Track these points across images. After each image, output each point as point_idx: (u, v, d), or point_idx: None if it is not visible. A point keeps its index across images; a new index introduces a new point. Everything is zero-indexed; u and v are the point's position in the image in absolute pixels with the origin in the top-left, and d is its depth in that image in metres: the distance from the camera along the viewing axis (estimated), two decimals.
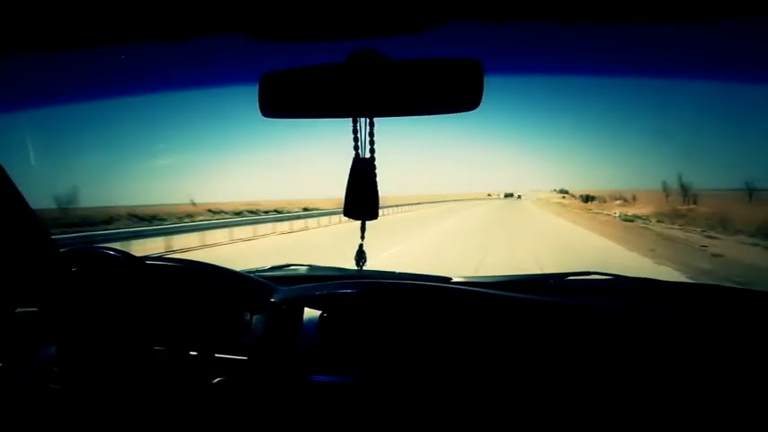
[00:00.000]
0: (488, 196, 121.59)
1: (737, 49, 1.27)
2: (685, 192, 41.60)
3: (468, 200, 76.17)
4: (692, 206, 34.19)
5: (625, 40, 1.26)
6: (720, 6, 0.88)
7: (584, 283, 1.57)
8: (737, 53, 1.31)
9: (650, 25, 1.07)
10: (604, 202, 55.25)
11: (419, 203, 44.98)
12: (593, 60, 1.47)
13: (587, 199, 63.17)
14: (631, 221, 25.03)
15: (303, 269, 1.81)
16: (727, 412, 1.08)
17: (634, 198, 50.54)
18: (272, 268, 1.82)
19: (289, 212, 25.18)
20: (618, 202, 50.42)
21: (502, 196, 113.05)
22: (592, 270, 1.59)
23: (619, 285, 1.54)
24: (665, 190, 48.06)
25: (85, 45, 1.09)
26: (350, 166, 1.12)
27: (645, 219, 26.20)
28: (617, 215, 29.93)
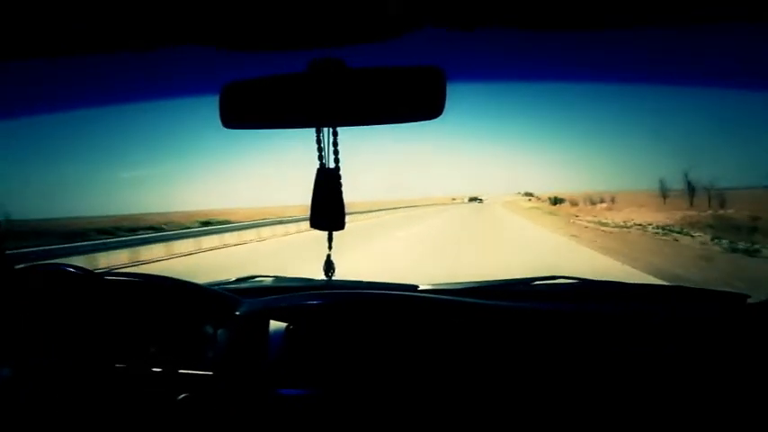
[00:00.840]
0: (453, 200, 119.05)
1: (706, 49, 1.32)
2: (695, 192, 35.90)
3: (429, 205, 70.19)
4: (722, 210, 27.25)
5: (592, 42, 1.29)
6: (684, 8, 0.91)
7: (552, 288, 1.59)
8: (706, 53, 1.35)
9: (613, 30, 1.10)
10: (576, 205, 49.41)
11: (379, 210, 39.40)
12: (555, 66, 1.50)
13: (556, 201, 59.95)
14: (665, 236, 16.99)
15: (269, 281, 1.79)
16: (696, 411, 1.12)
17: (613, 200, 43.97)
18: (237, 280, 1.80)
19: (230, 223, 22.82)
20: (603, 205, 42.75)
21: (466, 200, 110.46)
22: (558, 274, 1.61)
23: (585, 289, 1.56)
24: (664, 191, 42.07)
25: (41, 55, 1.06)
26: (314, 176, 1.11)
27: (678, 232, 18.06)
28: (626, 227, 21.01)
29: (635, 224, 21.98)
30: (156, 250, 13.27)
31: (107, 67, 1.28)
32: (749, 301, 1.37)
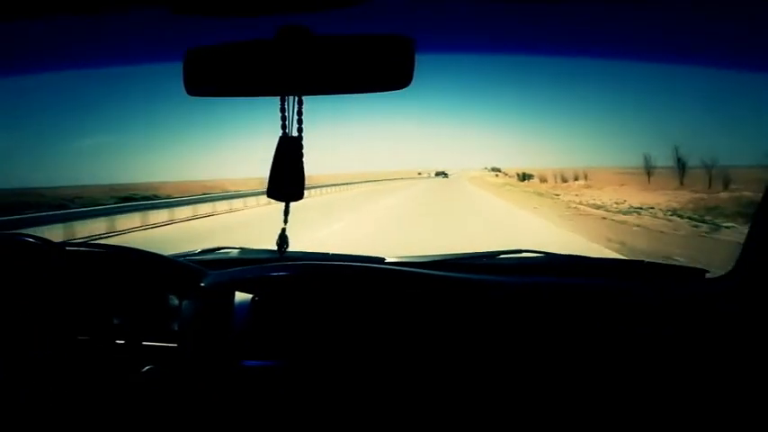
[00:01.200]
0: (419, 175, 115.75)
1: (677, 24, 1.33)
2: (685, 169, 32.18)
3: (393, 179, 66.26)
4: (727, 191, 22.97)
5: (562, 15, 1.28)
6: None
7: (516, 261, 1.62)
8: (677, 28, 1.36)
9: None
10: (545, 181, 47.52)
11: (333, 185, 35.05)
12: (523, 38, 1.49)
13: (524, 177, 58.03)
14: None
15: (235, 252, 1.79)
16: (658, 387, 1.17)
17: (586, 177, 41.83)
18: (203, 252, 1.78)
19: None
20: (579, 182, 40.40)
21: (432, 175, 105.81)
22: (523, 248, 1.65)
23: (549, 263, 1.60)
24: (648, 168, 36.64)
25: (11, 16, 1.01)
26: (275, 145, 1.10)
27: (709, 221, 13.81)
28: (627, 211, 17.18)
29: (631, 207, 18.51)
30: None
31: (71, 29, 1.23)
32: (707, 275, 1.43)
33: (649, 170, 36.79)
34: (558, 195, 28.66)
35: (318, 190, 29.51)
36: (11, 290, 1.16)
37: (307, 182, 1.11)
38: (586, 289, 1.36)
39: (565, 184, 42.20)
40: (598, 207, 19.44)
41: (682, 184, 30.06)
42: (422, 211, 17.36)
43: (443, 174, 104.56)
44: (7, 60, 1.50)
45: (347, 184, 40.80)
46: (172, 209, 16.11)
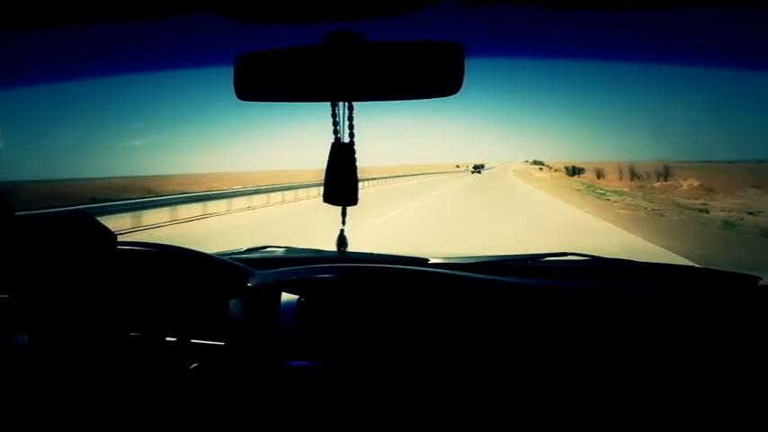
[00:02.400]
0: (456, 168, 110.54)
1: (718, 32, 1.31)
2: None
3: (427, 174, 57.69)
4: None
5: (612, 22, 1.28)
6: None
7: (562, 264, 1.60)
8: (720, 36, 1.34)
9: (632, 9, 1.08)
10: (601, 177, 38.45)
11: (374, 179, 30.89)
12: (567, 43, 1.48)
13: (574, 172, 50.32)
14: None
15: (280, 251, 1.81)
16: (707, 395, 1.13)
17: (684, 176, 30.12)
18: (248, 250, 1.81)
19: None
20: (690, 182, 27.97)
21: (471, 168, 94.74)
22: (569, 251, 1.62)
23: (595, 266, 1.57)
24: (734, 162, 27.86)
25: (54, 23, 1.05)
26: (329, 151, 1.10)
27: None
28: None
29: None
30: None
31: (123, 35, 1.27)
32: (761, 282, 1.38)
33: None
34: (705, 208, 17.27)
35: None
36: (77, 274, 1.16)
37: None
38: (634, 294, 1.32)
39: (659, 183, 30.07)
40: None
41: None
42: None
43: (479, 168, 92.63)
44: (64, 65, 1.56)
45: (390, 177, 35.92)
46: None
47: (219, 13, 0.95)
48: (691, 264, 1.52)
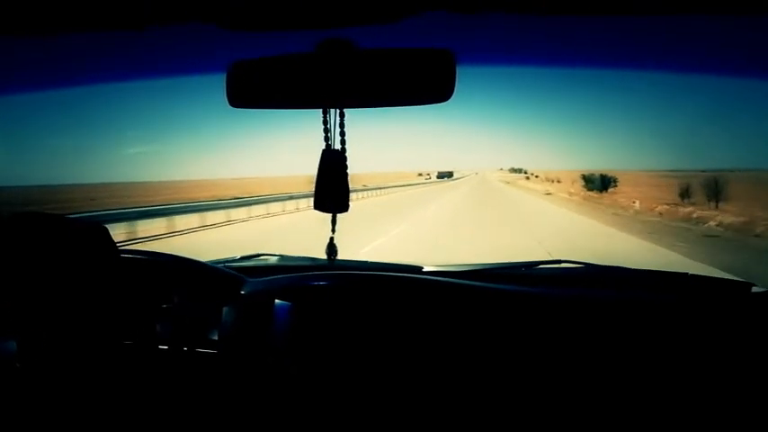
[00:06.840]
0: (419, 176, 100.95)
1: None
2: None
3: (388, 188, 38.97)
4: None
5: (606, 30, 1.28)
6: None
7: (556, 272, 1.60)
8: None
9: (617, 17, 1.09)
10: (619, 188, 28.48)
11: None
12: (555, 51, 1.49)
13: (604, 185, 33.53)
14: None
15: (273, 259, 1.81)
16: (700, 401, 1.13)
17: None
18: (242, 258, 1.81)
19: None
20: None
21: (434, 177, 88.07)
22: (563, 258, 1.62)
23: (589, 273, 1.58)
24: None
25: (50, 32, 1.04)
26: (319, 157, 1.10)
27: None
28: None
29: None
30: None
31: (113, 44, 1.26)
32: (754, 289, 1.38)
33: None
34: None
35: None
36: (77, 278, 1.12)
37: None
38: (627, 302, 1.32)
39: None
40: None
41: None
42: None
43: (449, 175, 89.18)
44: (56, 72, 1.55)
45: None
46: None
47: (213, 23, 0.95)
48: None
